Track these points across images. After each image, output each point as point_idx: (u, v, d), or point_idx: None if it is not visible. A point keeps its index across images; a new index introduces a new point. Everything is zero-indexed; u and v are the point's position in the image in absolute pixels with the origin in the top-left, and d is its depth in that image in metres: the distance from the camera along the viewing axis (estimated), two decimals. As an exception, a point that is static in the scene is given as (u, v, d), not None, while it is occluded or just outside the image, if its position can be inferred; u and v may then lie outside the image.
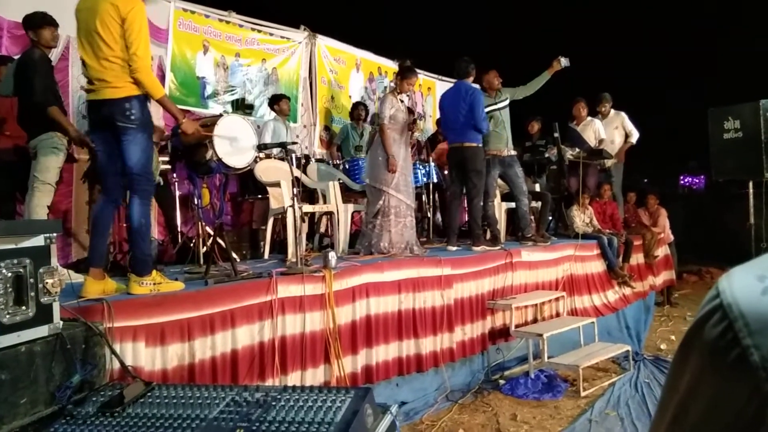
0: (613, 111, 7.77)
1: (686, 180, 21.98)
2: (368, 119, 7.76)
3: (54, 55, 4.26)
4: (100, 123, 3.16)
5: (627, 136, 7.63)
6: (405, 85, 5.13)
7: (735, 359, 0.38)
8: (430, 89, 10.40)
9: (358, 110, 7.66)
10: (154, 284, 3.05)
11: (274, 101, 6.75)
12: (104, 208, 3.22)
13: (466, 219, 6.81)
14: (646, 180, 17.90)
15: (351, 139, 7.45)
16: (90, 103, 3.19)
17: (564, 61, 5.92)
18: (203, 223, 4.68)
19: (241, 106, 7.05)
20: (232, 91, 7.17)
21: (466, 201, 5.89)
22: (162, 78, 6.32)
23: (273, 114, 6.83)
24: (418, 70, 10.00)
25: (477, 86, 5.73)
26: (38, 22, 4.00)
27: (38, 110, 3.90)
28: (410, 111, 5.33)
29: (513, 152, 6.08)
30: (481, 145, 5.58)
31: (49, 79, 4.03)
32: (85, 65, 3.14)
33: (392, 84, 5.29)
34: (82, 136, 4.10)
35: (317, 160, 6.88)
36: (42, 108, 3.89)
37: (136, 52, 3.02)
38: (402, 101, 5.17)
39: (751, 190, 7.48)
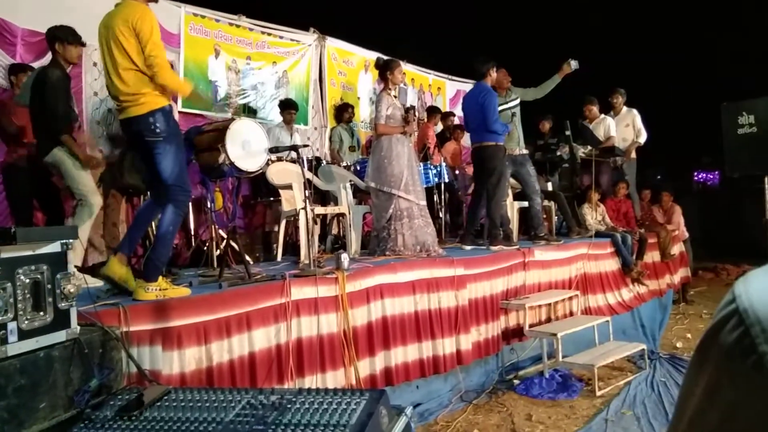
0: (625, 108, 7.74)
1: (700, 176, 21.76)
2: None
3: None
4: (133, 140, 3.27)
5: (636, 135, 7.59)
6: (397, 76, 5.10)
7: (752, 366, 0.37)
8: (440, 89, 10.40)
9: (347, 112, 7.68)
10: (160, 290, 3.08)
11: (283, 107, 6.78)
12: (149, 207, 3.35)
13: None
14: (659, 176, 17.76)
15: (344, 140, 7.48)
16: (121, 122, 3.28)
17: (573, 64, 5.93)
18: (216, 227, 4.71)
19: (251, 110, 7.10)
20: (243, 94, 7.21)
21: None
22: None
23: (279, 119, 6.86)
24: (427, 70, 10.08)
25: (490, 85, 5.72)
26: (69, 39, 4.00)
27: (51, 132, 3.96)
28: (406, 109, 5.30)
29: (525, 151, 6.08)
30: (501, 143, 5.57)
31: (65, 101, 4.03)
32: (108, 86, 3.21)
33: (381, 85, 5.23)
34: (92, 158, 4.15)
35: (328, 163, 6.91)
36: (55, 133, 3.95)
37: (150, 54, 3.05)
38: (396, 96, 5.15)
39: (766, 186, 7.39)
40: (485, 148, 5.56)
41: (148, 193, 3.72)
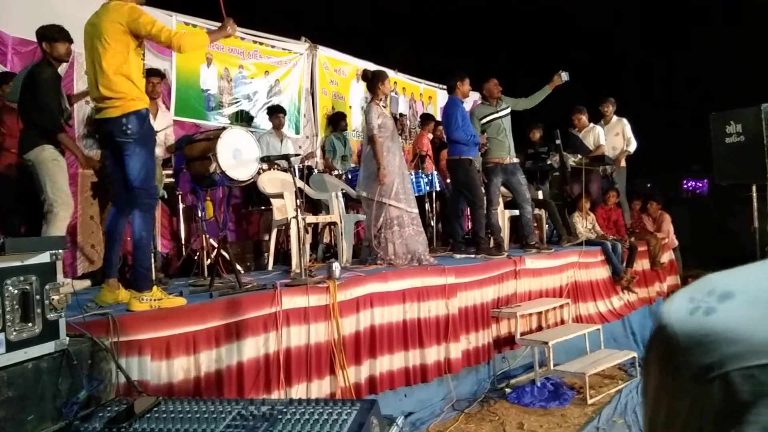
0: (615, 117, 7.81)
1: (689, 184, 21.91)
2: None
3: (61, 68, 4.28)
4: (104, 139, 3.29)
5: (626, 144, 7.66)
6: (386, 87, 5.17)
7: (675, 375, 0.42)
8: (431, 98, 10.43)
9: (340, 121, 7.71)
10: (154, 300, 3.06)
11: (270, 113, 6.80)
12: (115, 219, 3.33)
13: (470, 227, 6.82)
14: (649, 185, 17.87)
15: (336, 149, 7.49)
16: (96, 122, 3.32)
17: (564, 76, 5.99)
18: (207, 236, 4.70)
19: (243, 119, 7.10)
20: (236, 103, 7.21)
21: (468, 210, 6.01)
22: (168, 92, 6.35)
23: (269, 127, 6.88)
24: (418, 79, 10.13)
25: (459, 98, 5.82)
26: (55, 36, 4.01)
27: (41, 129, 3.92)
28: (394, 118, 5.42)
29: (515, 160, 6.12)
30: (464, 156, 5.69)
31: (57, 99, 4.04)
32: (90, 86, 3.24)
33: (369, 96, 5.31)
34: (91, 159, 4.18)
35: (320, 171, 6.91)
36: (51, 132, 3.91)
37: (159, 33, 3.08)
38: (385, 106, 5.22)
39: (754, 194, 7.46)
40: (450, 162, 5.85)
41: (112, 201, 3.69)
